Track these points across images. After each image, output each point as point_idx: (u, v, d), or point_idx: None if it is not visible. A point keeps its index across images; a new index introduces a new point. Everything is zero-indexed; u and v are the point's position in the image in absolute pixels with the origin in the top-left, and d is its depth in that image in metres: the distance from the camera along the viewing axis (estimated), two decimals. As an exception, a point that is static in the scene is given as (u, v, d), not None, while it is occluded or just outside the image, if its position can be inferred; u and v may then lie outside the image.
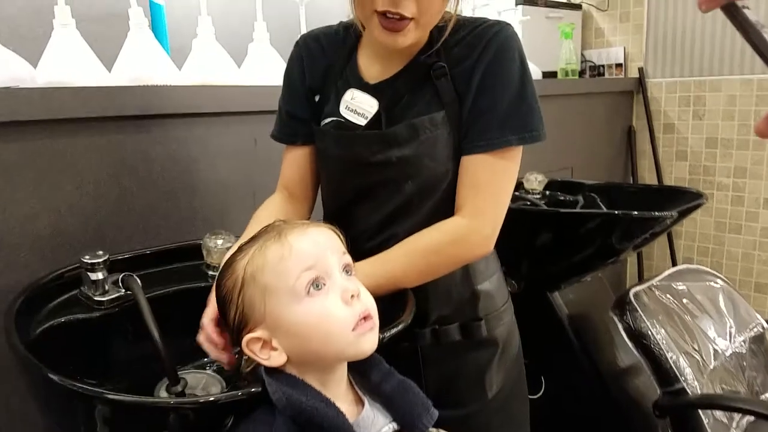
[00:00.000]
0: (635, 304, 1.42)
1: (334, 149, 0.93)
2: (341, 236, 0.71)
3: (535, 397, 1.10)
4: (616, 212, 1.35)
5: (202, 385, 0.96)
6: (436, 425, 0.93)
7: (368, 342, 0.67)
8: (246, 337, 0.67)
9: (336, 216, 0.96)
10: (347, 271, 0.69)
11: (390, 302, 0.92)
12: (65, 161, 1.06)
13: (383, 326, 0.83)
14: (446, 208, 0.89)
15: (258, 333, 0.67)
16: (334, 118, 0.92)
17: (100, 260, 0.91)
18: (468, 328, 0.93)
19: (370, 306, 0.68)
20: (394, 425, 0.72)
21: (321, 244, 0.68)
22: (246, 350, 0.67)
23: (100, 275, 0.91)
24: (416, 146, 0.87)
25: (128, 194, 1.14)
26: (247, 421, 0.66)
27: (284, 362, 0.67)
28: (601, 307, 1.54)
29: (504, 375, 0.97)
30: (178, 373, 0.97)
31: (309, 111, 0.97)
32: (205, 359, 1.00)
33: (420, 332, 0.93)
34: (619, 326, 1.42)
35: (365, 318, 0.67)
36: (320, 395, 0.66)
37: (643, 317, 1.39)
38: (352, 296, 0.66)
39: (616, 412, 1.48)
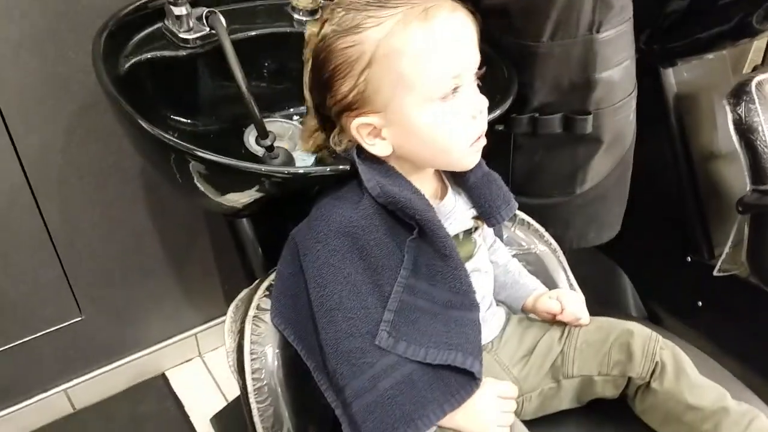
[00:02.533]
0: (754, 95, 1.27)
1: None
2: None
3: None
4: (769, -14, 1.11)
5: (289, 135, 0.97)
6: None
7: (475, 159, 0.67)
8: (357, 121, 0.63)
9: None
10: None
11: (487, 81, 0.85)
12: None
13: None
14: None
15: (372, 119, 0.63)
16: None
17: (183, -7, 0.84)
18: (571, 121, 0.85)
19: (485, 126, 0.65)
20: (473, 212, 0.73)
21: (468, 43, 0.61)
22: (353, 132, 0.64)
23: (183, 10, 0.86)
24: None
25: None
26: (334, 198, 0.67)
27: (389, 154, 0.65)
28: (716, 90, 1.39)
29: (602, 173, 0.92)
30: (265, 121, 0.98)
31: None
32: (291, 109, 1.00)
33: (517, 118, 0.87)
34: (729, 116, 1.30)
35: (479, 137, 0.65)
36: (411, 186, 0.65)
37: (759, 111, 1.26)
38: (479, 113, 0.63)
39: (696, 198, 1.44)
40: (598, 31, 0.81)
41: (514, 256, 0.88)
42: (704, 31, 1.28)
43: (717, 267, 1.39)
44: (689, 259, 1.49)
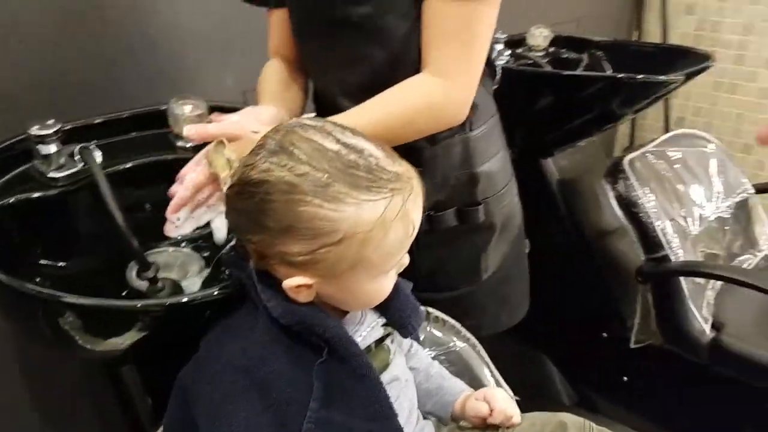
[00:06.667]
0: (628, 172, 1.37)
1: (295, 7, 0.84)
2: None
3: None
4: (620, 76, 1.24)
5: (179, 263, 0.91)
6: (427, 305, 0.90)
7: None
8: (295, 281, 0.57)
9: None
10: None
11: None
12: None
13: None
14: None
15: (310, 281, 0.58)
16: None
17: (51, 131, 0.80)
18: (465, 214, 0.87)
19: None
20: (383, 320, 0.69)
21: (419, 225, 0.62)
22: (283, 284, 0.58)
23: (52, 147, 0.81)
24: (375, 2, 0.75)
25: (78, 49, 0.99)
26: (224, 328, 0.62)
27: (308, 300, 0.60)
28: (593, 172, 1.49)
29: (501, 257, 0.93)
30: (151, 252, 0.91)
31: None
32: (179, 236, 0.94)
33: (414, 220, 0.87)
34: (610, 194, 1.38)
35: None
36: (317, 306, 0.60)
37: (635, 185, 1.36)
38: None
39: (597, 275, 1.49)
40: (471, 130, 0.86)
41: (434, 357, 0.84)
42: (572, 122, 1.39)
43: (632, 339, 1.41)
44: (605, 335, 1.51)
